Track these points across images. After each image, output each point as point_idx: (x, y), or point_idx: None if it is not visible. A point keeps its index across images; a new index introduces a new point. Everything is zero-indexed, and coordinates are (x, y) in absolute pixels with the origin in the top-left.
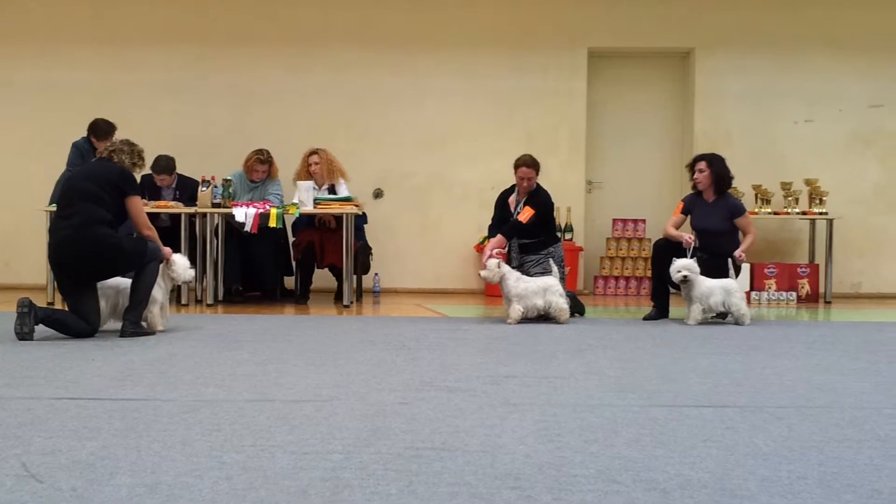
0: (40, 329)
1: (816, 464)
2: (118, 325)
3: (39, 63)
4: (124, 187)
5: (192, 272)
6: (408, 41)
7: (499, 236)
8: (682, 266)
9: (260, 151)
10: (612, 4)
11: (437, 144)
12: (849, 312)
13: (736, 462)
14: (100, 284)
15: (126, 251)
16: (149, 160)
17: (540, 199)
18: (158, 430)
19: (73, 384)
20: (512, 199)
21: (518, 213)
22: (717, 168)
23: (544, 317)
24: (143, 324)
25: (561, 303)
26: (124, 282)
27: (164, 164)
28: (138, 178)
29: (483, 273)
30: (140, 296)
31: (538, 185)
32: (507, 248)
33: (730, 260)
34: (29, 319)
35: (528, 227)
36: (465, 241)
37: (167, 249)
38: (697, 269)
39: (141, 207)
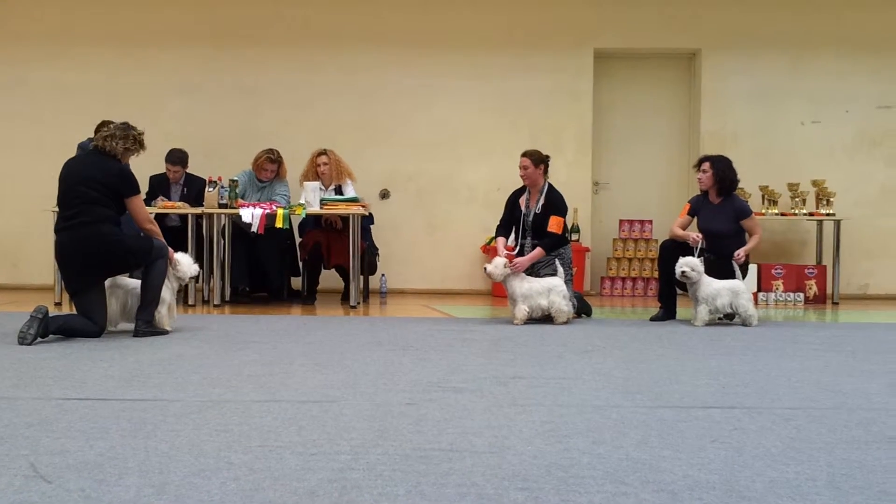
0: None
1: (825, 465)
2: (128, 326)
3: (50, 64)
4: (122, 190)
5: (196, 267)
6: (415, 42)
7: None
8: (684, 263)
9: (270, 151)
10: (619, 5)
11: (444, 145)
12: (856, 314)
13: (744, 463)
14: (109, 284)
15: (132, 248)
16: (159, 156)
17: (559, 205)
18: (166, 430)
19: (80, 385)
20: (522, 200)
21: (528, 215)
22: (719, 170)
23: (550, 317)
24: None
25: (561, 304)
26: (133, 282)
27: (179, 155)
28: (134, 164)
29: (488, 268)
30: (151, 294)
31: (551, 185)
32: (516, 249)
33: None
34: (38, 326)
35: (561, 235)
36: (472, 242)
37: (169, 250)
38: (701, 268)
39: (141, 204)
